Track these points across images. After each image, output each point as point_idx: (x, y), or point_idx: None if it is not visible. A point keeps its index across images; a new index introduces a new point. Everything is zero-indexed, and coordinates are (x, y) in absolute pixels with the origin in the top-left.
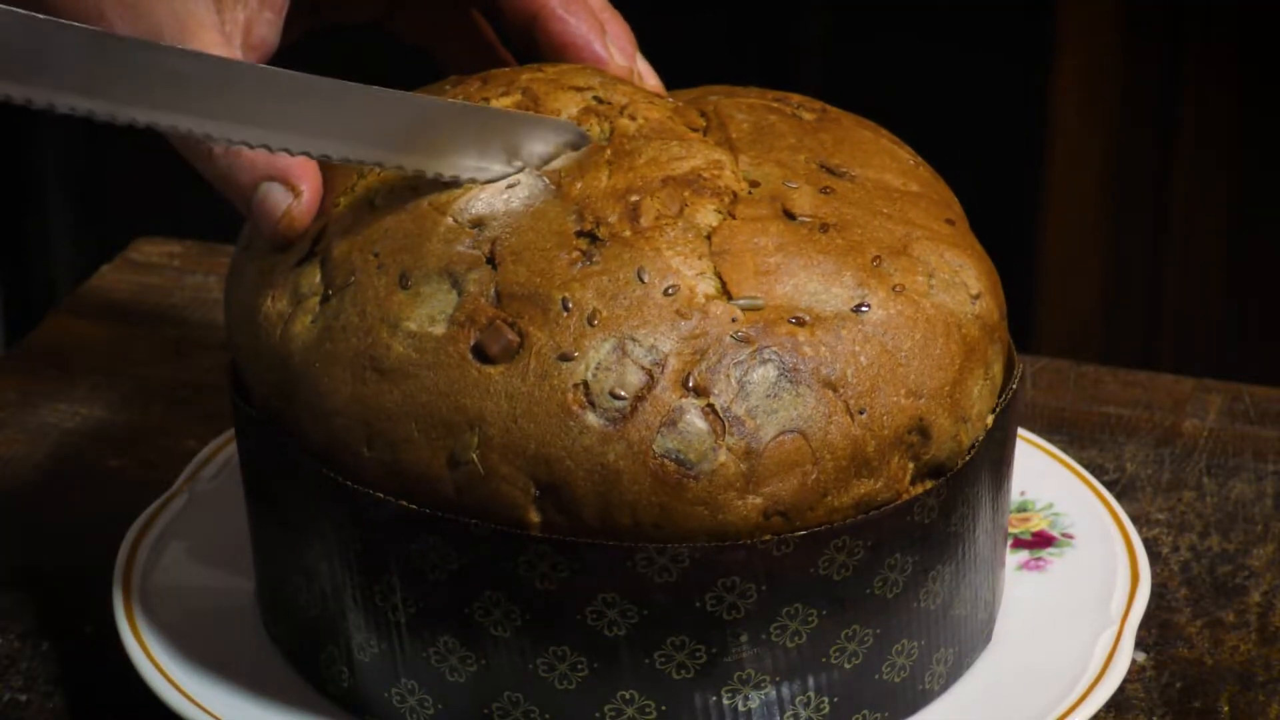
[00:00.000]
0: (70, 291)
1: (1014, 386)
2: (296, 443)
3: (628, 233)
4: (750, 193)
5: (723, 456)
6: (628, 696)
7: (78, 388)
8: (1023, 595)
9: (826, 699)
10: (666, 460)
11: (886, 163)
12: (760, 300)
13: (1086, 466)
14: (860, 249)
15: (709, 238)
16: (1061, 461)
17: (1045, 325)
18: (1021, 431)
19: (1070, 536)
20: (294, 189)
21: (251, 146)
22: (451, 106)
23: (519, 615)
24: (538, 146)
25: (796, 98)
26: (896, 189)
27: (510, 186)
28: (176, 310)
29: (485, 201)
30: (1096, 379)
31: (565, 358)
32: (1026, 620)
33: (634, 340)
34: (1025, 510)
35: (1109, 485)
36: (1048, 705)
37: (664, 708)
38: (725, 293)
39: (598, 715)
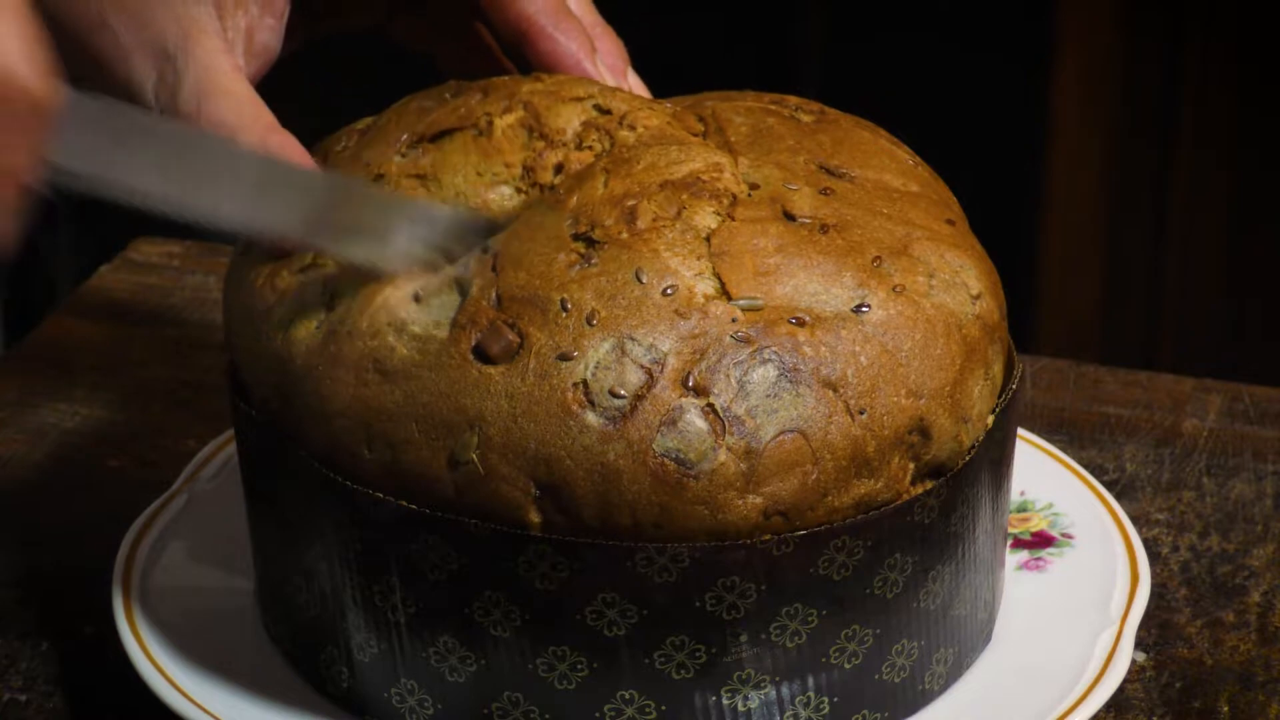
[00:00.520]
0: (70, 292)
1: (1014, 386)
2: (296, 443)
3: (625, 235)
4: (750, 195)
5: (723, 456)
6: (628, 696)
7: (78, 388)
8: (1023, 595)
9: (826, 699)
10: (666, 460)
11: (886, 163)
12: (760, 300)
13: (1086, 466)
14: (860, 249)
15: (708, 239)
16: (1061, 461)
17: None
18: (1021, 431)
19: (1070, 536)
20: None
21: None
22: (357, 190)
23: (519, 615)
24: (423, 232)
25: (794, 100)
26: (896, 189)
27: (509, 203)
28: (176, 310)
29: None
30: (1096, 379)
31: (565, 357)
32: (1026, 620)
33: (633, 340)
34: (1025, 510)
35: (1109, 485)
36: (1047, 705)
37: (664, 708)
38: (725, 293)
39: (598, 715)
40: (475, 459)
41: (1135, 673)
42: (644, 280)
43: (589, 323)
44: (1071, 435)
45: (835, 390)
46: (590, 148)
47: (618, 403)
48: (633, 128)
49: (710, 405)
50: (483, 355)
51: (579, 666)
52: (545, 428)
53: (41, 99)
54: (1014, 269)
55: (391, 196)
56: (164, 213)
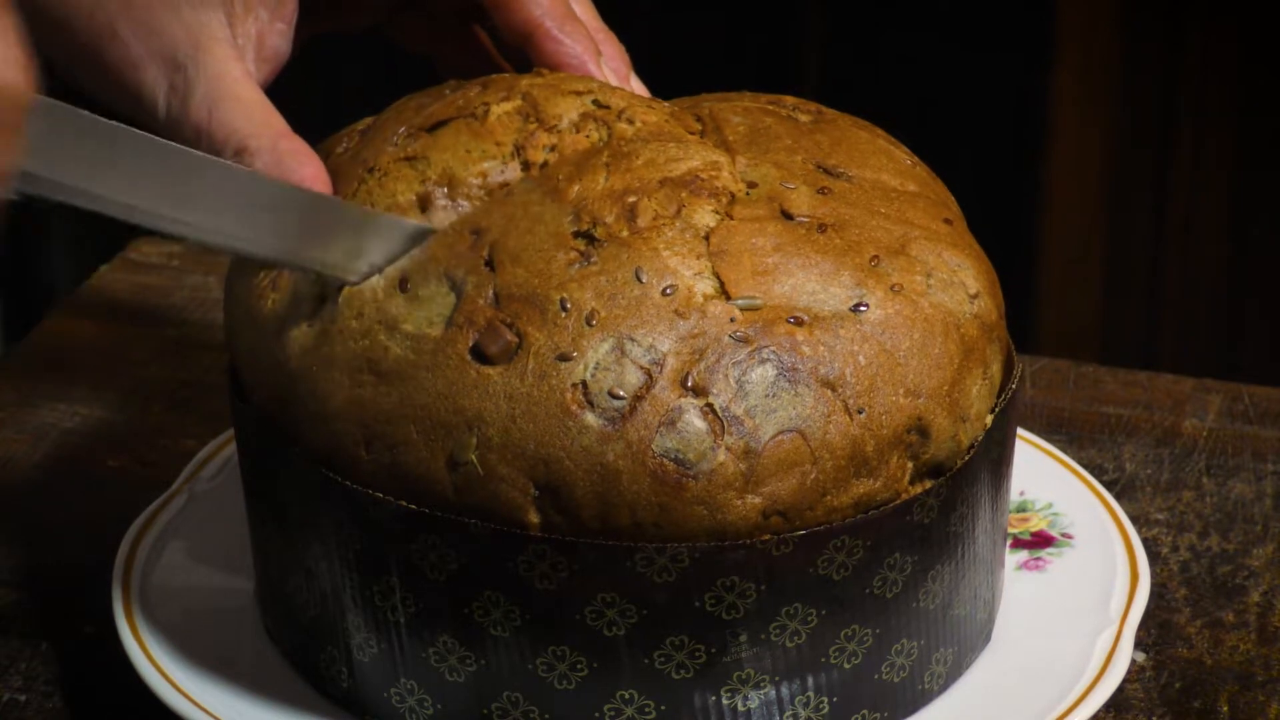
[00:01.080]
0: (69, 292)
1: (1013, 386)
2: (296, 443)
3: (625, 233)
4: (748, 193)
5: (722, 456)
6: (627, 696)
7: (77, 388)
8: (1022, 595)
9: (826, 699)
10: (665, 460)
11: (884, 163)
12: (759, 300)
13: (1086, 466)
14: (858, 249)
15: (707, 238)
16: (1061, 461)
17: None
18: (1021, 431)
19: (1070, 536)
20: None
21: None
22: (305, 197)
23: (518, 615)
24: (381, 246)
25: (791, 100)
26: (894, 189)
27: (508, 191)
28: (176, 310)
29: (483, 208)
30: (1096, 379)
31: (564, 358)
32: (1026, 620)
33: (632, 340)
34: (1025, 510)
35: (1108, 485)
36: (1047, 705)
37: (663, 707)
38: (723, 293)
39: (597, 715)
40: (474, 460)
41: (1135, 673)
42: (644, 280)
43: (588, 323)
44: (1071, 435)
45: (834, 390)
46: (587, 136)
47: (617, 403)
48: (631, 121)
49: (709, 405)
50: (481, 355)
51: (579, 666)
52: (544, 428)
53: (17, 99)
54: (1014, 269)
55: (363, 212)
56: (137, 223)
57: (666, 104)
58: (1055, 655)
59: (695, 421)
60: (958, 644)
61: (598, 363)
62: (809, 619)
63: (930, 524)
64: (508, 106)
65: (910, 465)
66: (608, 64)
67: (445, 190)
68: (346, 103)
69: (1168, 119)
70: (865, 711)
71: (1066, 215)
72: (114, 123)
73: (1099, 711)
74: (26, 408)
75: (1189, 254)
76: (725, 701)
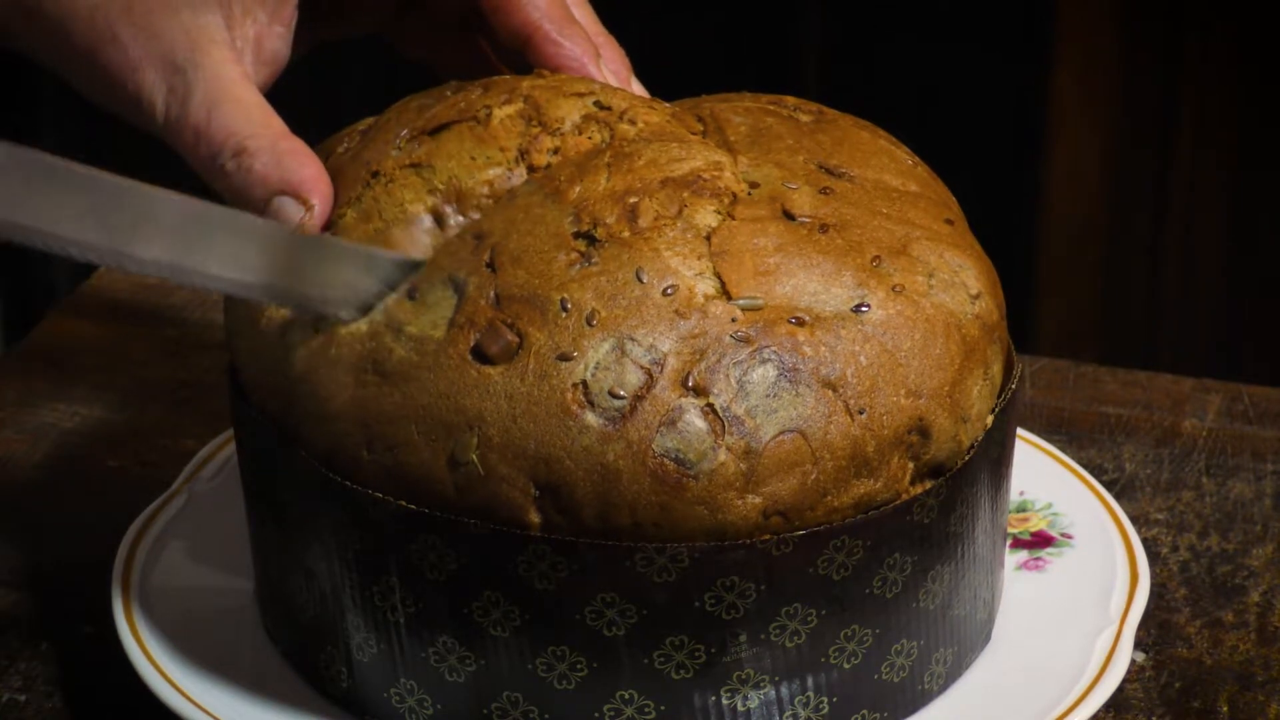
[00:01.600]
0: (69, 291)
1: (1013, 386)
2: (296, 443)
3: (626, 233)
4: (749, 194)
5: (722, 456)
6: (627, 696)
7: (77, 388)
8: (1022, 595)
9: (826, 699)
10: (666, 460)
11: (885, 163)
12: (760, 300)
13: (1085, 466)
14: (859, 249)
15: (708, 238)
16: (1060, 461)
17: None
18: (1021, 431)
19: (1069, 536)
20: (305, 203)
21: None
22: (289, 237)
23: (518, 615)
24: (372, 281)
25: (792, 100)
26: (895, 189)
27: (511, 194)
28: (176, 310)
29: (486, 211)
30: (1096, 379)
31: (564, 358)
32: (1026, 620)
33: (633, 340)
34: (1024, 510)
35: (1108, 485)
36: (1047, 705)
37: (663, 708)
38: (725, 293)
39: (597, 715)
40: (475, 459)
41: (1135, 673)
42: (644, 280)
43: (589, 323)
44: (1071, 435)
45: (835, 390)
46: (590, 138)
47: (617, 403)
48: (633, 122)
49: (710, 405)
50: (482, 355)
51: (578, 666)
52: (545, 428)
53: None
54: (1014, 269)
55: (353, 249)
56: (89, 261)
57: (668, 105)
58: (1055, 655)
59: (696, 421)
60: (958, 644)
61: (598, 362)
62: (809, 619)
63: (930, 524)
64: (510, 109)
65: (911, 466)
66: (608, 66)
67: (455, 206)
68: (346, 104)
69: (1168, 119)
70: (865, 711)
71: (1066, 215)
72: (63, 160)
73: (1099, 711)
74: (26, 408)
75: (1189, 254)
76: (725, 701)
